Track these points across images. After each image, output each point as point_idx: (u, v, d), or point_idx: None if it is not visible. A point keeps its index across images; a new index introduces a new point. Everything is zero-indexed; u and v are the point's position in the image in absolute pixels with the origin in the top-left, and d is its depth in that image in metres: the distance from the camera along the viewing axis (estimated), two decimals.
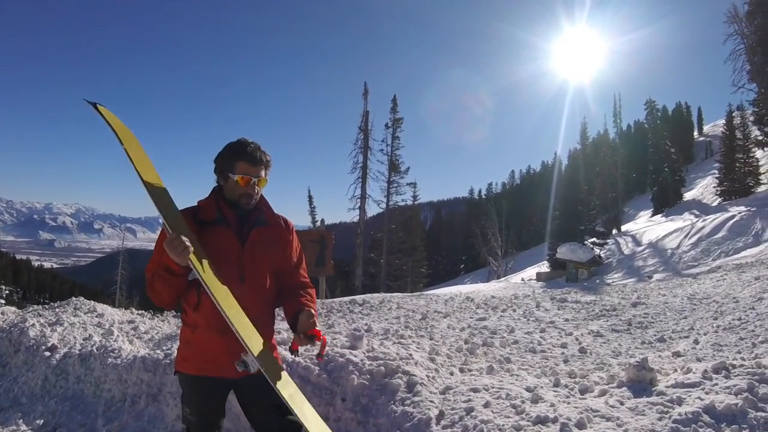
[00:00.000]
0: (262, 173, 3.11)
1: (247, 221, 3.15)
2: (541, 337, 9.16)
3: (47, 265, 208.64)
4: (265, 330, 3.11)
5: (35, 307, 16.75)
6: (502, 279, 39.01)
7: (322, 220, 28.72)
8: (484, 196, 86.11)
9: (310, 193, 47.36)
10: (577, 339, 9.04)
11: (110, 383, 6.91)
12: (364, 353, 5.75)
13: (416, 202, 46.22)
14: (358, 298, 17.22)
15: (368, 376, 5.22)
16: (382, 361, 5.40)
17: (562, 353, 7.85)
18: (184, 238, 2.71)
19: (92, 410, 6.67)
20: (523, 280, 31.76)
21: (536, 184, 76.49)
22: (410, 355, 5.72)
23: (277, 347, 3.30)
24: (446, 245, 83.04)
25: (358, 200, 40.46)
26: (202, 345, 3.02)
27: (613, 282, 22.33)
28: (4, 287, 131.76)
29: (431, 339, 8.84)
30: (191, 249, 2.72)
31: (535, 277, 31.45)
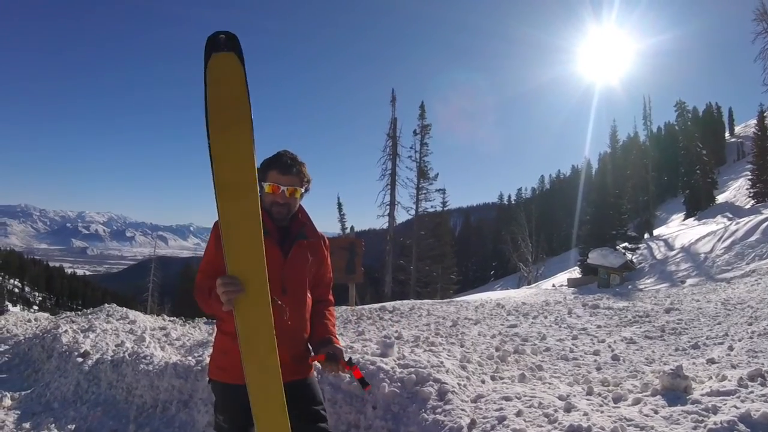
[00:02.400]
0: (295, 183, 3.05)
1: (289, 234, 3.14)
2: (573, 345, 9.08)
3: (80, 272, 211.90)
4: (303, 341, 3.13)
5: (68, 313, 17.00)
6: (533, 285, 38.67)
7: (352, 227, 28.76)
8: (513, 202, 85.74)
9: (340, 200, 47.54)
10: (609, 346, 8.92)
11: (142, 389, 6.97)
12: (394, 361, 5.75)
13: (445, 209, 46.21)
14: (388, 305, 17.24)
15: (399, 384, 5.21)
16: (413, 369, 5.39)
17: (595, 361, 7.76)
18: (235, 284, 2.54)
19: (124, 416, 6.74)
20: (554, 286, 31.41)
21: (566, 188, 75.80)
22: (441, 362, 5.70)
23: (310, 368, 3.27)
24: (476, 251, 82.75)
25: (388, 207, 40.50)
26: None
27: (645, 287, 22.08)
28: (37, 294, 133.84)
29: (462, 346, 8.80)
30: (237, 296, 2.56)
31: (566, 283, 31.12)
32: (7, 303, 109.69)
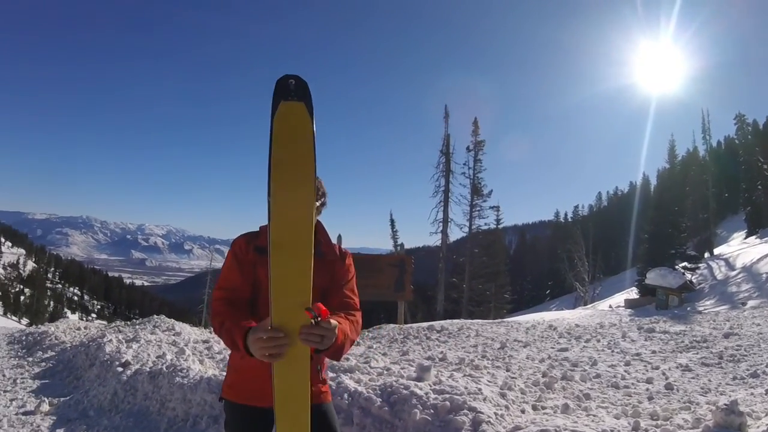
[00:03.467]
0: None
1: None
2: (625, 371, 8.66)
3: (138, 282, 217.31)
4: (314, 361, 2.81)
5: (118, 323, 17.20)
6: (589, 305, 37.79)
7: (402, 245, 28.51)
8: (570, 219, 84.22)
9: (392, 216, 47.29)
10: (663, 373, 8.48)
11: (175, 402, 6.94)
12: (430, 386, 5.50)
13: (500, 226, 45.52)
14: (437, 324, 16.92)
15: (432, 411, 4.96)
16: (448, 395, 5.13)
17: (647, 390, 7.35)
18: (284, 335, 2.30)
19: (155, 427, 6.69)
20: (610, 307, 30.60)
21: (624, 205, 74.07)
22: (479, 389, 5.43)
23: (327, 381, 3.04)
24: (531, 270, 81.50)
25: (440, 224, 40.03)
26: (252, 372, 2.81)
27: (704, 309, 21.29)
28: (96, 302, 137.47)
29: (507, 370, 8.51)
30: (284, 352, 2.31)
31: (623, 304, 30.34)
32: (65, 310, 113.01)
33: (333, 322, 2.39)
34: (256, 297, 2.89)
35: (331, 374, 6.36)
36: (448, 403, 4.97)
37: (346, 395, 5.45)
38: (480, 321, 18.75)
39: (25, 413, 7.51)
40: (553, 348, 11.32)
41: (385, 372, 6.65)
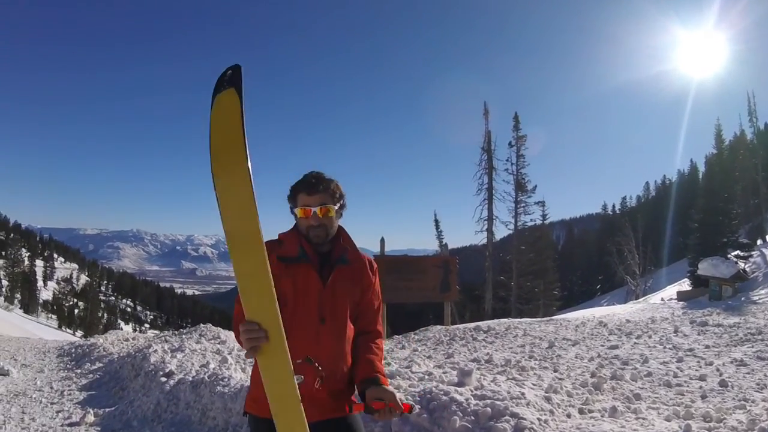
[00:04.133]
0: (326, 201, 2.81)
1: (329, 259, 2.88)
2: (677, 368, 8.36)
3: (189, 292, 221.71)
4: (343, 375, 2.82)
5: (166, 333, 17.39)
6: (641, 299, 36.95)
7: (445, 245, 28.34)
8: (618, 211, 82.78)
9: (436, 217, 47.14)
10: (717, 369, 8.17)
11: (215, 411, 6.93)
12: (471, 391, 5.34)
13: (546, 221, 44.90)
14: (483, 324, 16.69)
15: (472, 418, 4.79)
16: (489, 401, 4.96)
17: (700, 387, 7.07)
18: (260, 330, 2.32)
19: None
20: (662, 300, 29.83)
21: (672, 195, 72.58)
22: (522, 394, 5.24)
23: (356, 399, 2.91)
24: (580, 265, 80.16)
25: (485, 222, 39.68)
26: None
27: (759, 299, 20.57)
28: (149, 313, 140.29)
29: (555, 371, 8.30)
30: (261, 344, 2.33)
31: (675, 297, 29.62)
32: (119, 321, 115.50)
33: (390, 388, 2.59)
34: (281, 311, 2.85)
35: None
36: (489, 409, 4.80)
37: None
38: (528, 320, 18.45)
39: (71, 424, 7.63)
40: (603, 346, 11.04)
41: (426, 377, 6.50)
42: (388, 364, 7.70)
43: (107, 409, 8.33)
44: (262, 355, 2.34)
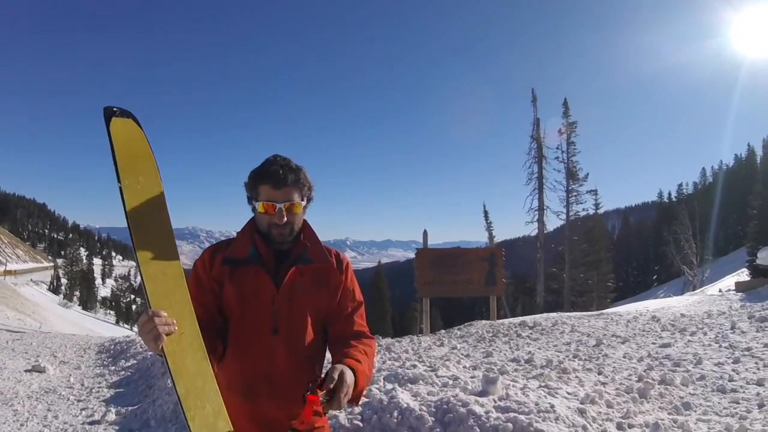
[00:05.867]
0: (294, 196, 2.38)
1: (286, 259, 2.45)
2: (733, 370, 7.50)
3: None
4: (298, 393, 2.18)
5: None
6: (698, 290, 35.63)
7: (493, 236, 27.29)
8: (674, 199, 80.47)
9: (486, 208, 46.27)
10: None
11: None
12: (494, 401, 4.75)
13: (599, 211, 43.66)
14: (529, 319, 16.01)
15: None
16: (512, 414, 4.36)
17: (757, 394, 6.22)
18: (162, 318, 2.00)
19: None
20: (720, 291, 28.58)
21: (731, 181, 70.02)
22: (552, 406, 4.60)
23: (320, 416, 2.42)
24: (636, 255, 78.30)
25: (536, 212, 38.74)
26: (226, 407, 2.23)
27: None
28: None
29: (599, 373, 7.64)
30: (165, 337, 1.99)
31: (733, 288, 28.38)
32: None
33: (348, 373, 2.12)
34: (225, 322, 2.40)
35: (388, 385, 5.74)
36: (510, 424, 4.19)
37: (396, 412, 4.78)
38: (577, 314, 17.65)
39: (92, 423, 7.68)
40: (654, 344, 10.24)
41: (451, 382, 5.91)
42: (414, 366, 7.14)
43: (130, 408, 8.33)
44: (170, 345, 2.03)
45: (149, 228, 2.19)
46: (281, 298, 2.38)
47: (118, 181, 2.13)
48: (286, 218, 2.37)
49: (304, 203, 2.45)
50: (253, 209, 2.46)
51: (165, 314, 2.01)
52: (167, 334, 1.99)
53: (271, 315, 2.36)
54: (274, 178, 2.34)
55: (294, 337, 2.39)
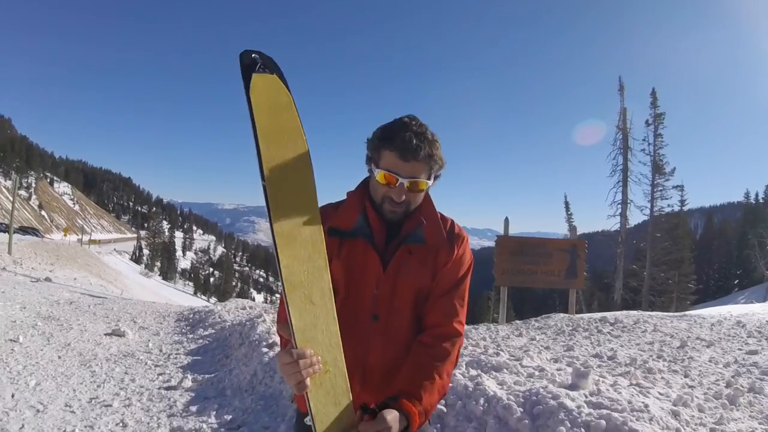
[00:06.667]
0: (421, 173, 2.01)
1: (396, 234, 2.13)
2: None
3: None
4: (391, 385, 2.06)
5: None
6: None
7: (575, 228, 26.70)
8: (762, 200, 77.23)
9: (567, 199, 45.39)
10: None
11: None
12: (585, 396, 4.62)
13: (684, 208, 42.45)
14: (610, 315, 15.62)
15: (582, 430, 4.07)
16: (605, 411, 4.23)
17: None
18: (307, 360, 1.77)
19: (280, 414, 6.42)
20: None
21: None
22: (646, 406, 4.46)
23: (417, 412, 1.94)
24: (718, 257, 75.57)
25: (619, 206, 37.77)
26: None
27: None
28: (280, 284, 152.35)
29: (686, 376, 7.38)
30: (308, 382, 1.77)
31: None
32: (251, 291, 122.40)
33: (389, 418, 1.83)
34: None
35: (472, 372, 5.65)
36: (603, 421, 4.07)
37: (482, 400, 4.70)
38: (659, 314, 17.14)
39: (168, 388, 7.79)
40: (740, 350, 9.86)
41: (537, 373, 5.79)
42: (497, 354, 7.01)
43: (207, 376, 8.47)
44: (314, 388, 1.82)
45: (298, 246, 1.84)
46: (386, 280, 2.09)
47: (262, 179, 1.76)
48: (405, 197, 2.02)
49: (430, 183, 2.08)
50: (370, 171, 2.12)
51: (310, 352, 1.79)
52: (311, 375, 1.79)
53: (372, 299, 2.11)
54: (404, 147, 1.96)
55: (393, 325, 2.13)
